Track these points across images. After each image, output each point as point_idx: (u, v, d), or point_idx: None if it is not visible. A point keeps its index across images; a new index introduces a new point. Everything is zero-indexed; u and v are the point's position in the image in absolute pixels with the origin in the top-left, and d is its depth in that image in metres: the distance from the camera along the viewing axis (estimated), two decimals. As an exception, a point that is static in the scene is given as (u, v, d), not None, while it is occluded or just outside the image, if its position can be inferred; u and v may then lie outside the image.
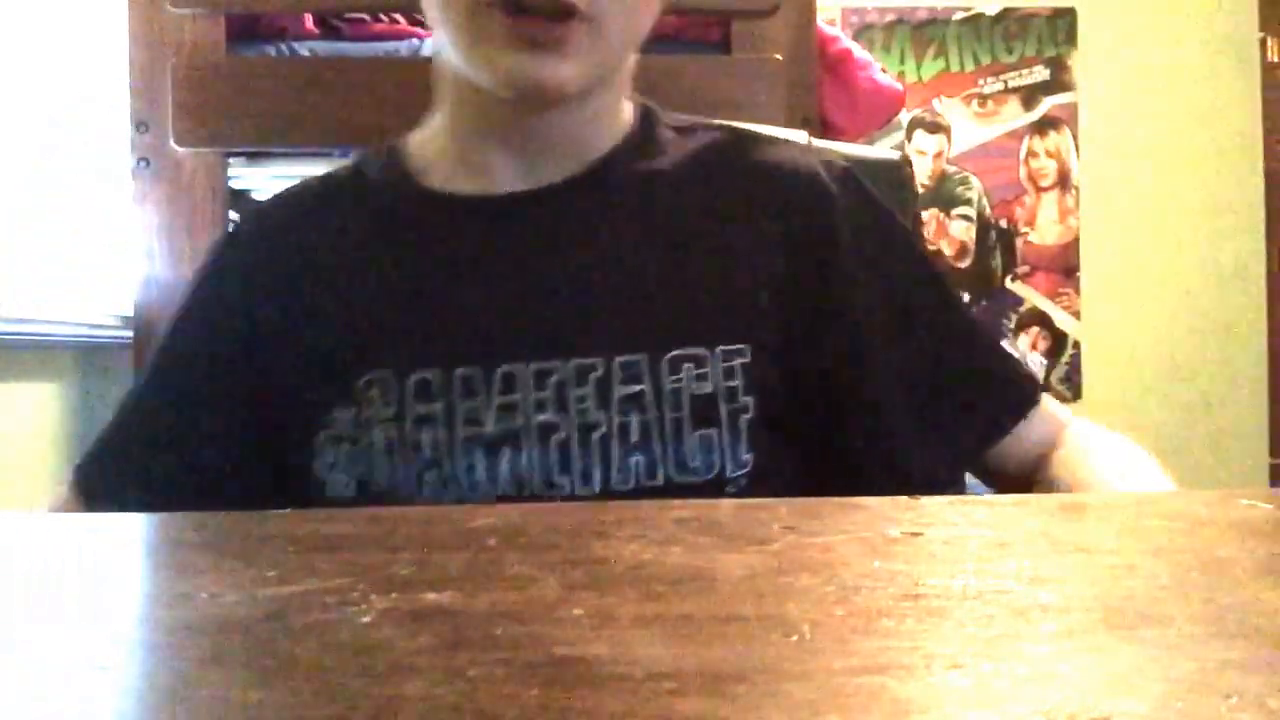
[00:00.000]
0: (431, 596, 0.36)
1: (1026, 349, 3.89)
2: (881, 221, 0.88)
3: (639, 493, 0.77)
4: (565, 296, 0.82)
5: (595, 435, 0.78)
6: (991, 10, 4.03)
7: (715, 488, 0.78)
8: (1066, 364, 3.92)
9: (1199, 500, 0.52)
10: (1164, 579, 0.38)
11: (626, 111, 0.90)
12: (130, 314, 1.62)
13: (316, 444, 0.81)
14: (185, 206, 1.62)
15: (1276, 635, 0.32)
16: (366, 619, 0.34)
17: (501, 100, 0.81)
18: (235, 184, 1.68)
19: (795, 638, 0.31)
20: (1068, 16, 4.04)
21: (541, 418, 0.78)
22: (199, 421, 0.87)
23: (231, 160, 1.66)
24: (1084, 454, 0.83)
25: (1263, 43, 3.99)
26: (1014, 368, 0.90)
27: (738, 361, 0.79)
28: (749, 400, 0.79)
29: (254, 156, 1.69)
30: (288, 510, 0.52)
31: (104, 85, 1.82)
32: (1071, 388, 3.89)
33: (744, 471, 0.78)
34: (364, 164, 0.93)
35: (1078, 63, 4.04)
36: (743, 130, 0.92)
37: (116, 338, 1.82)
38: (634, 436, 0.78)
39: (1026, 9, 4.03)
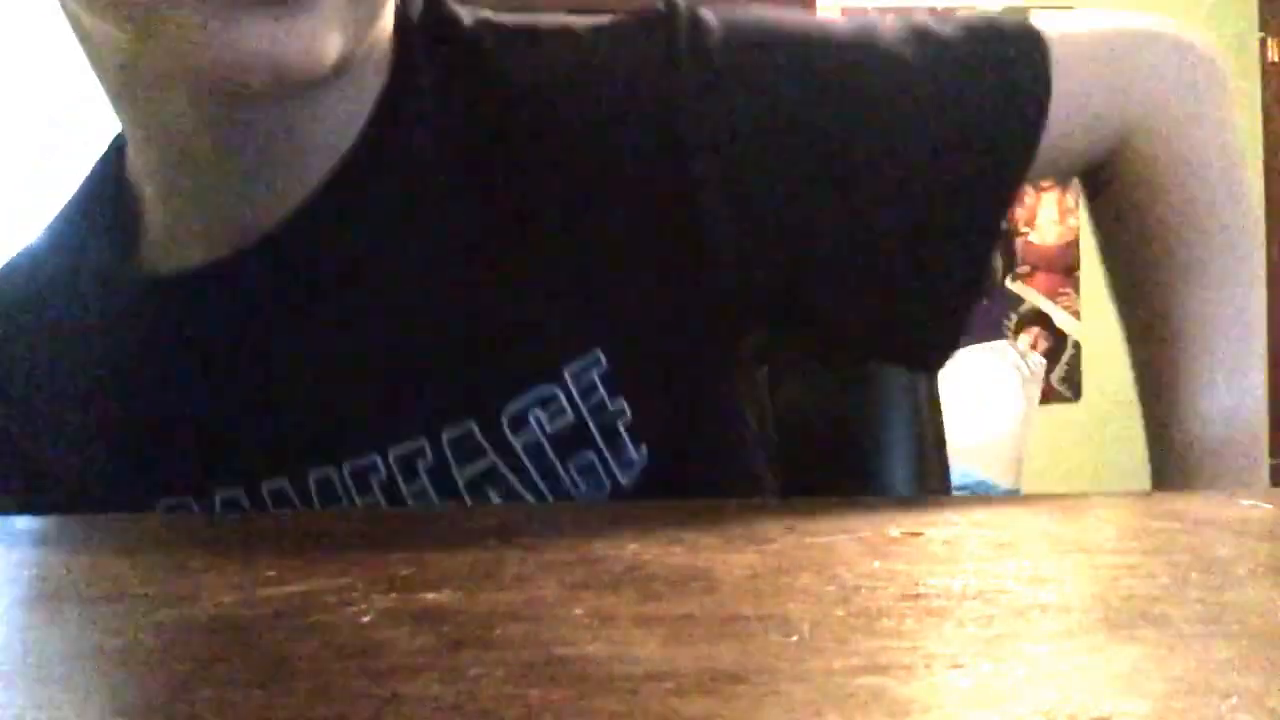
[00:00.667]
0: (431, 596, 0.36)
1: (1026, 349, 3.89)
2: (732, 54, 0.63)
3: None
4: (355, 377, 0.63)
5: None
6: (991, 10, 4.03)
7: (614, 495, 0.62)
8: (1066, 364, 3.92)
9: (1199, 500, 0.52)
10: (1164, 579, 0.38)
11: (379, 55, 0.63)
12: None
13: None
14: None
15: (1276, 635, 0.32)
16: (366, 619, 0.34)
17: (201, 118, 0.58)
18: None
19: (795, 638, 0.31)
20: (1068, 16, 4.04)
21: None
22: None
23: (231, 160, 1.66)
24: (1170, 258, 0.67)
25: (1263, 43, 3.99)
26: (991, 87, 0.66)
27: (594, 371, 0.61)
28: (623, 403, 0.62)
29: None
30: (287, 510, 0.52)
31: (104, 85, 1.83)
32: (1071, 388, 3.89)
33: (638, 466, 0.62)
34: (64, 245, 0.72)
35: (1078, 63, 4.04)
36: (516, 45, 0.65)
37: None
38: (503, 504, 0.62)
39: (1026, 9, 4.03)
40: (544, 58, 0.64)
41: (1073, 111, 0.65)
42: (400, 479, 0.61)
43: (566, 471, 0.61)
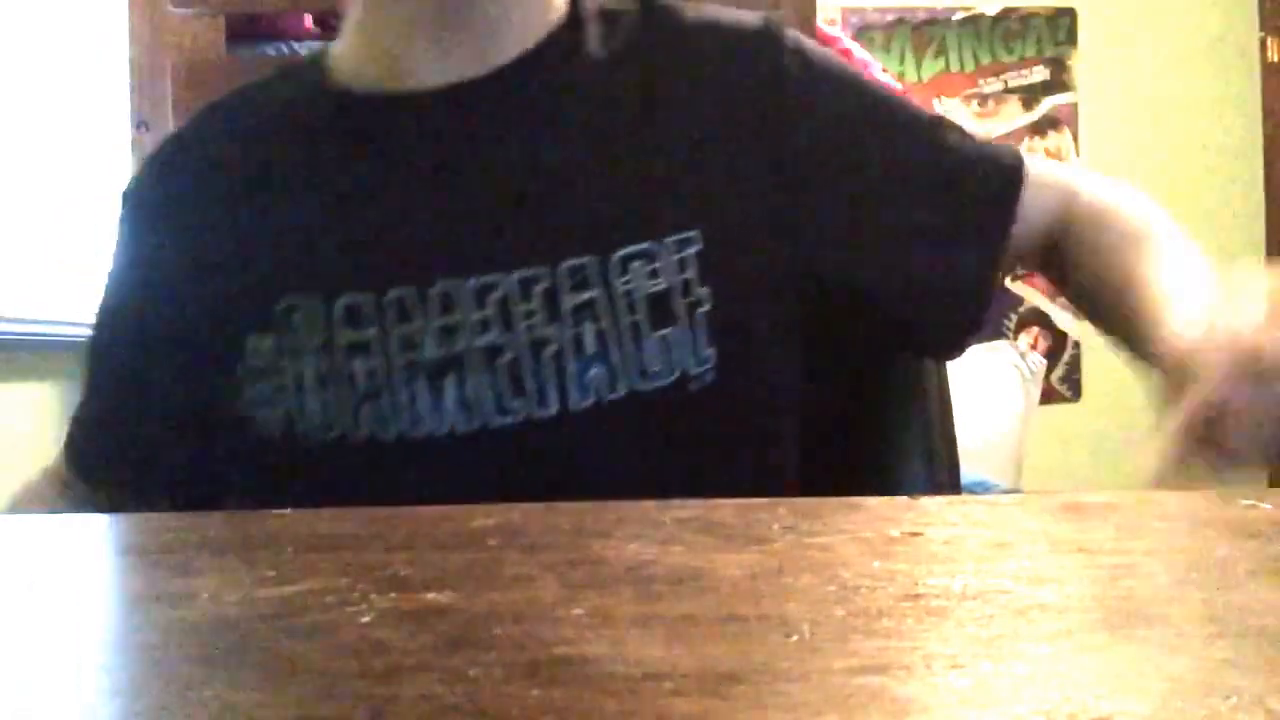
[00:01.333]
0: (431, 596, 0.36)
1: (1026, 349, 3.89)
2: (822, 66, 0.82)
3: (600, 410, 0.72)
4: (500, 202, 0.75)
5: (547, 352, 0.72)
6: (991, 10, 4.03)
7: (680, 392, 0.72)
8: (1066, 364, 3.92)
9: (1199, 500, 0.52)
10: (1164, 579, 0.38)
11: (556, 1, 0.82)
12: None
13: (236, 380, 0.76)
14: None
15: (1276, 635, 0.32)
16: (366, 619, 0.34)
17: None
18: (235, 184, 1.68)
19: (795, 638, 0.31)
20: (1068, 16, 4.04)
21: (485, 339, 0.72)
22: (145, 374, 0.82)
23: (231, 160, 1.66)
24: (1119, 248, 0.78)
25: (1263, 43, 3.99)
26: (989, 152, 0.83)
27: (691, 251, 0.73)
28: (704, 292, 0.73)
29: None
30: (288, 510, 0.52)
31: (104, 85, 1.82)
32: (1071, 387, 3.89)
33: (708, 368, 0.73)
34: (284, 72, 0.87)
35: (1078, 63, 4.04)
36: (676, 5, 0.84)
37: (116, 338, 1.82)
38: (590, 348, 0.71)
39: (1026, 9, 4.03)
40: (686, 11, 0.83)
41: (1038, 192, 0.81)
42: (517, 298, 0.72)
43: (649, 338, 0.72)
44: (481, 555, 0.43)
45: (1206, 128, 3.98)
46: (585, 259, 0.72)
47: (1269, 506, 0.49)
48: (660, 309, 0.72)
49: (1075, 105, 4.04)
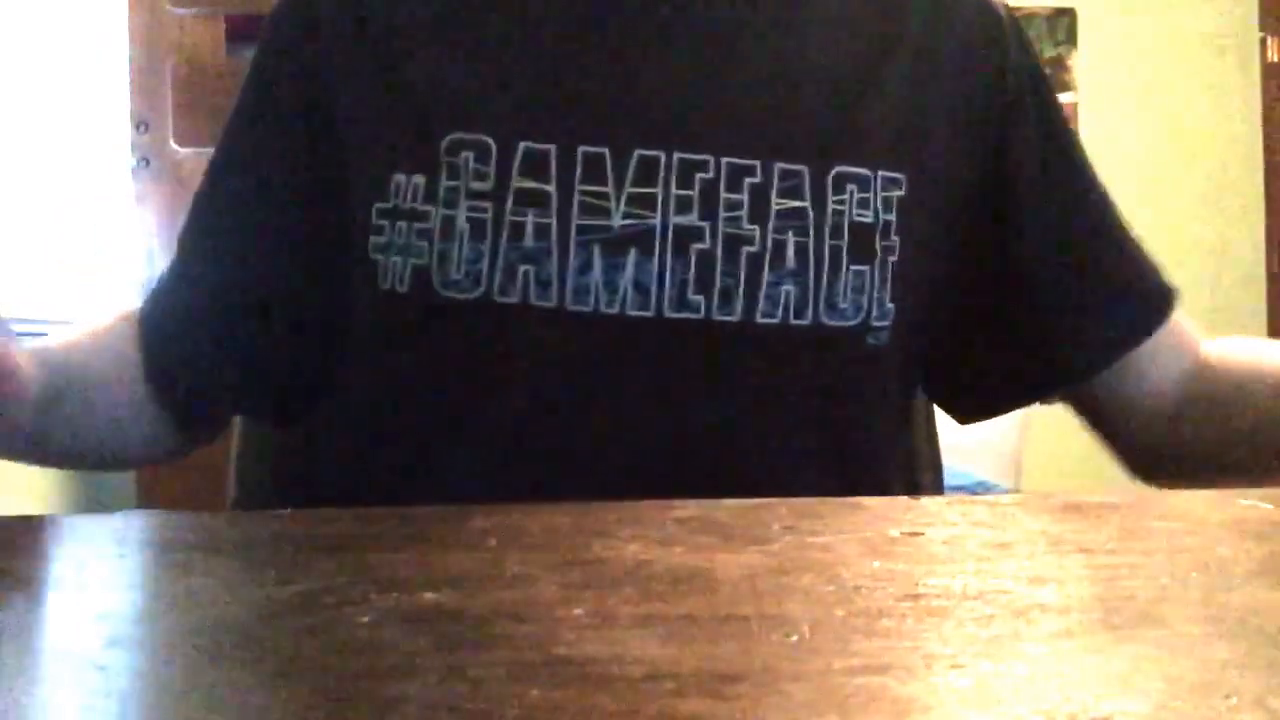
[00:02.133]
0: (431, 596, 0.36)
1: (1026, 349, 3.89)
2: (1040, 74, 0.80)
3: (785, 332, 0.66)
4: (724, 80, 0.69)
5: (745, 251, 0.65)
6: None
7: (858, 338, 0.68)
8: (1066, 364, 3.92)
9: (1199, 500, 0.52)
10: (1164, 579, 0.38)
11: None
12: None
13: (371, 219, 0.68)
14: (185, 206, 1.62)
15: (1276, 635, 0.32)
16: (366, 619, 0.34)
17: None
18: (235, 184, 1.68)
19: (795, 638, 0.31)
20: (1068, 16, 4.04)
21: (682, 219, 0.65)
22: (262, 212, 0.74)
23: (231, 160, 1.66)
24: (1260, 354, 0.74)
25: (1263, 43, 3.99)
26: (1154, 266, 0.78)
27: (895, 193, 0.69)
28: (897, 241, 0.69)
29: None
30: (288, 510, 0.52)
31: (104, 85, 1.82)
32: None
33: (885, 325, 0.69)
34: None
35: (1077, 63, 4.05)
36: None
37: (116, 338, 1.82)
38: (790, 261, 0.66)
39: (1026, 9, 4.03)
40: None
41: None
42: (725, 186, 0.66)
43: (846, 271, 0.67)
44: (481, 555, 0.43)
45: (1206, 128, 3.98)
46: (801, 166, 0.67)
47: (1269, 506, 0.49)
48: (862, 242, 0.68)
49: (1075, 105, 4.04)
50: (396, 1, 0.71)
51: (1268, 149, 4.00)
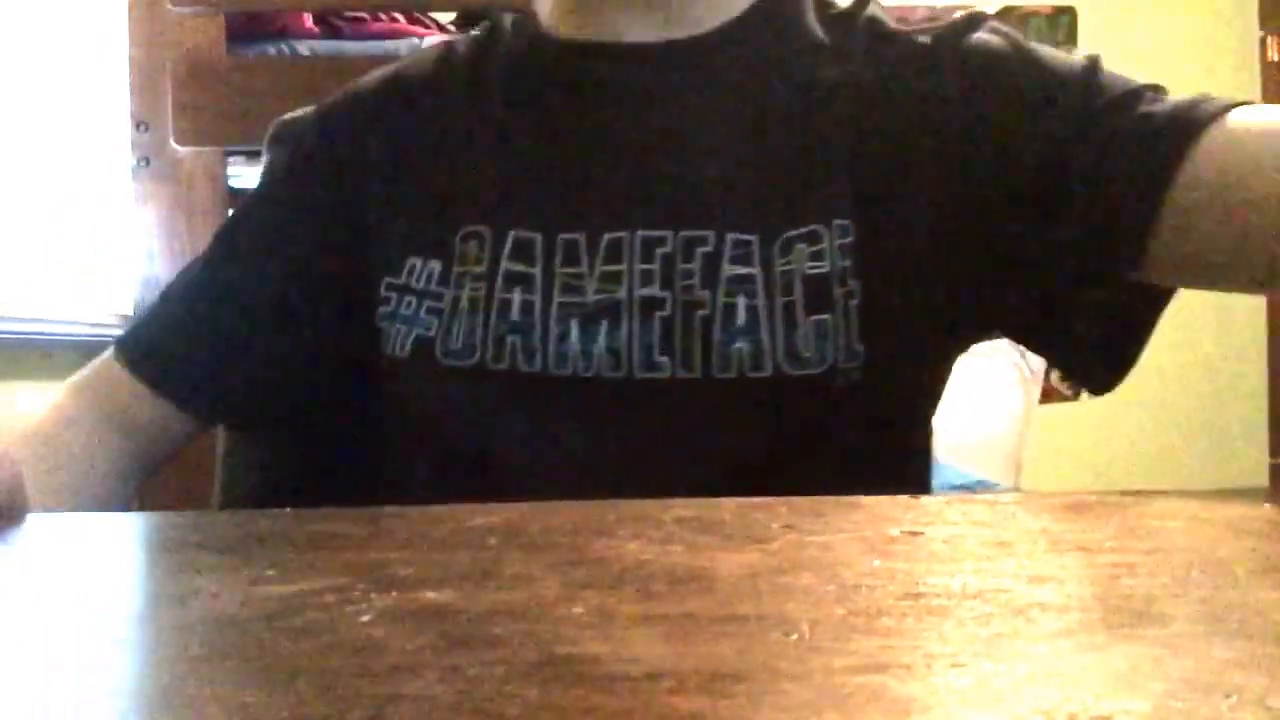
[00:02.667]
0: (431, 596, 0.36)
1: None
2: (1002, 56, 0.77)
3: (743, 383, 0.72)
4: (680, 164, 0.77)
5: (698, 315, 0.73)
6: (991, 10, 4.03)
7: (826, 381, 0.72)
8: (1066, 364, 3.91)
9: (1199, 500, 0.52)
10: (1164, 579, 0.38)
11: None
12: (130, 314, 1.62)
13: (380, 291, 0.80)
14: (185, 206, 1.62)
15: (1276, 635, 0.32)
16: (366, 619, 0.34)
17: None
18: (235, 183, 1.68)
19: (795, 637, 0.31)
20: (1068, 16, 4.04)
21: (645, 291, 0.73)
22: (267, 274, 0.84)
23: (231, 160, 1.66)
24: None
25: (1263, 43, 3.99)
26: (1184, 100, 0.76)
27: (848, 240, 0.73)
28: (857, 285, 0.73)
29: (254, 156, 1.69)
30: (288, 510, 0.52)
31: (104, 85, 1.82)
32: (1071, 387, 3.89)
33: (856, 365, 0.73)
34: (496, 20, 0.89)
35: (1078, 62, 4.04)
36: (870, 12, 0.84)
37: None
38: (739, 321, 0.72)
39: (1026, 8, 4.03)
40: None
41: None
42: (679, 257, 0.73)
43: (803, 322, 0.72)
44: (481, 555, 0.43)
45: (1206, 127, 3.98)
46: (750, 236, 0.73)
47: (1269, 506, 0.49)
48: (819, 293, 0.73)
49: (1075, 105, 4.04)
50: (420, 119, 0.84)
51: (1268, 149, 3.99)
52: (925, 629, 0.32)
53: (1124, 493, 0.53)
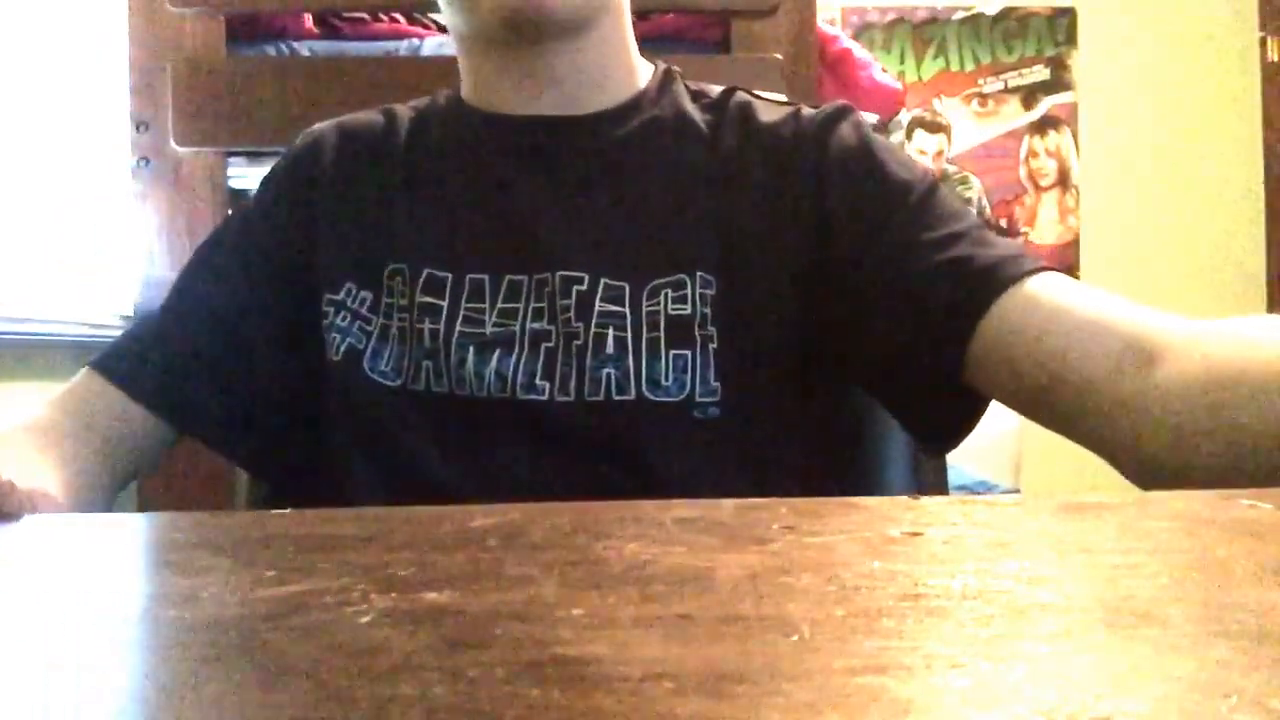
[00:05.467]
0: (431, 596, 0.36)
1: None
2: (864, 158, 0.87)
3: (611, 405, 0.82)
4: (568, 219, 0.88)
5: (574, 344, 0.84)
6: (991, 10, 4.03)
7: (685, 410, 0.83)
8: (1066, 364, 3.91)
9: (1199, 500, 0.52)
10: (1164, 579, 0.38)
11: (644, 69, 0.96)
12: (130, 314, 1.62)
13: (321, 304, 0.90)
14: (185, 206, 1.62)
15: (1276, 635, 0.32)
16: (366, 619, 0.34)
17: (497, 39, 0.88)
18: (235, 184, 1.68)
19: (795, 638, 0.31)
20: (1068, 16, 4.04)
21: (535, 325, 0.85)
22: (235, 294, 0.93)
23: (231, 160, 1.66)
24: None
25: (1263, 42, 3.99)
26: (998, 251, 0.82)
27: (710, 291, 0.85)
28: (714, 330, 0.84)
29: (254, 156, 1.69)
30: (288, 510, 0.52)
31: (104, 85, 1.82)
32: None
33: (713, 400, 0.83)
34: (434, 94, 1.01)
35: (1077, 63, 4.04)
36: (746, 92, 0.95)
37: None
38: (609, 349, 0.83)
39: (1026, 9, 4.03)
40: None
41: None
42: (558, 294, 0.85)
43: (667, 354, 0.83)
44: (481, 555, 0.43)
45: (1206, 128, 3.98)
46: (622, 283, 0.85)
47: (1269, 506, 0.49)
48: (680, 332, 0.84)
49: (1075, 105, 4.04)
50: (361, 164, 0.95)
51: (1268, 149, 4.00)
52: (925, 630, 0.32)
53: (1124, 493, 0.53)
